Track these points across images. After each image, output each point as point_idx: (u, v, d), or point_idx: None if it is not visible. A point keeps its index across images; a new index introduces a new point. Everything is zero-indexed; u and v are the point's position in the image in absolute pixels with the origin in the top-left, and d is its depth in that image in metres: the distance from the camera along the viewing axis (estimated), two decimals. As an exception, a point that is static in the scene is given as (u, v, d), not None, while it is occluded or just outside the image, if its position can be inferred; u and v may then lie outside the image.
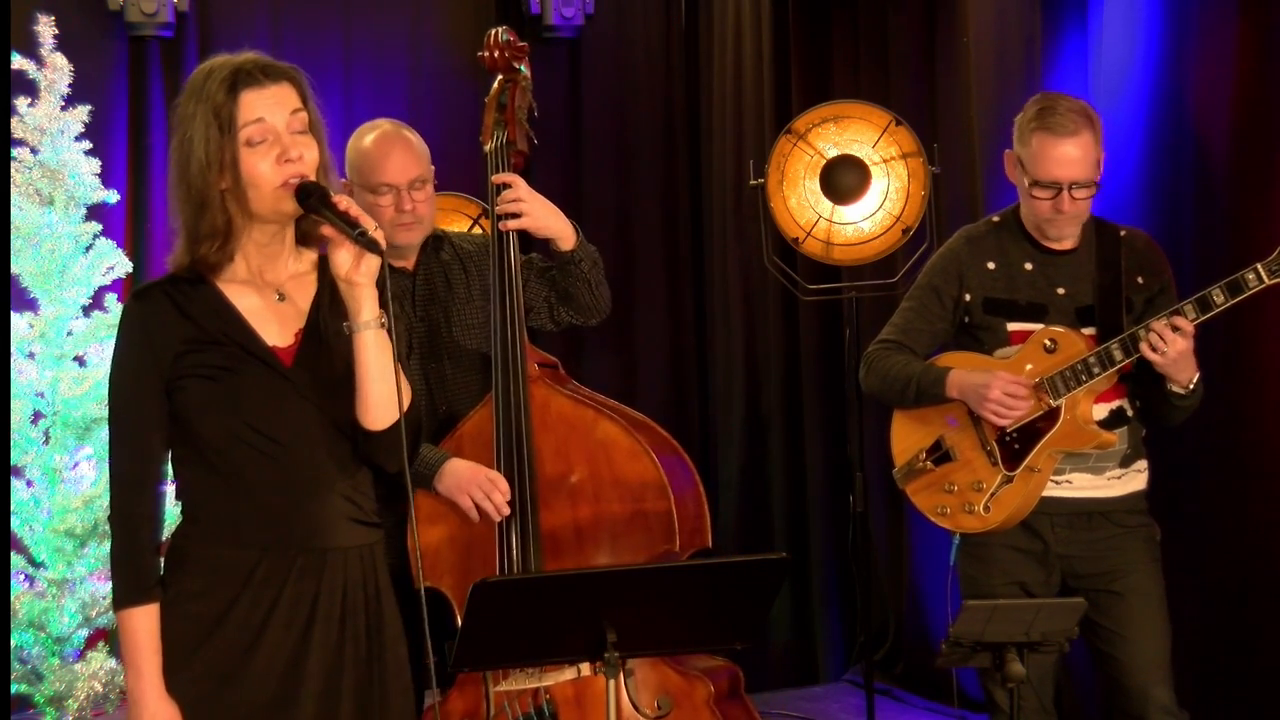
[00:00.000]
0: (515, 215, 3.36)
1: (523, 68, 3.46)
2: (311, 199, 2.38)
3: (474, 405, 3.40)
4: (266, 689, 2.40)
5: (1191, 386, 3.40)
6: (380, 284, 2.40)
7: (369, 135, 3.49)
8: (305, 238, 2.50)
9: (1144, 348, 3.34)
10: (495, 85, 3.46)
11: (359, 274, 2.38)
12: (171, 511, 2.49)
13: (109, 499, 2.47)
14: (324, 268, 2.52)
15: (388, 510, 2.65)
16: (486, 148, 3.44)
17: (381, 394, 2.43)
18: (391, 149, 3.45)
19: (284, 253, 2.49)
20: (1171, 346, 3.30)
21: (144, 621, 2.39)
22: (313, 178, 2.40)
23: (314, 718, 2.42)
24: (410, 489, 2.42)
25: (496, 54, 3.44)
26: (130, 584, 2.41)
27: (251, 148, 2.37)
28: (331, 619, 2.44)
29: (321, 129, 2.46)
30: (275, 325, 2.46)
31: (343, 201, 2.37)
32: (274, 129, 2.39)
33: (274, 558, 2.42)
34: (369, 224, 2.36)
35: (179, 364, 2.40)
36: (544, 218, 3.39)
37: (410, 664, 2.58)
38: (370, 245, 2.34)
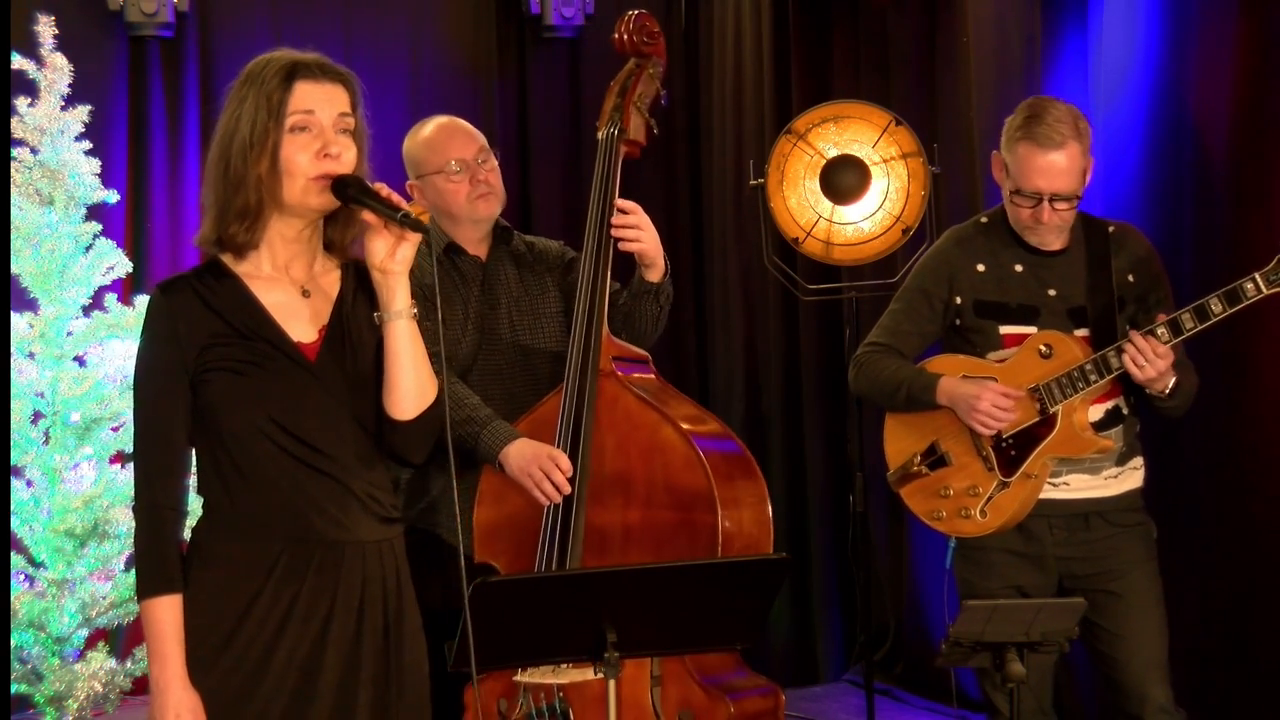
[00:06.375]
0: (632, 239, 3.35)
1: (654, 55, 3.44)
2: (350, 189, 2.42)
3: (536, 393, 3.42)
4: (287, 682, 2.42)
5: (1168, 391, 3.37)
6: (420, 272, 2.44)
7: (426, 126, 3.57)
8: (332, 245, 2.54)
9: (1126, 360, 3.32)
10: (624, 70, 3.44)
11: (394, 262, 2.42)
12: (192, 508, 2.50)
13: (134, 489, 2.48)
14: (347, 271, 2.56)
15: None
16: (599, 134, 3.43)
17: (411, 383, 2.46)
18: (453, 130, 3.55)
19: (312, 254, 2.52)
20: (1151, 365, 3.30)
21: (168, 611, 2.41)
22: None
23: (332, 709, 2.44)
24: (454, 468, 2.44)
25: (626, 36, 3.44)
26: (155, 574, 2.42)
27: (294, 135, 2.41)
28: (349, 612, 2.46)
29: (365, 138, 2.50)
30: (300, 321, 2.49)
31: (383, 189, 2.41)
32: (319, 123, 2.43)
33: (294, 552, 2.43)
34: (409, 208, 2.40)
35: (205, 357, 2.43)
36: (654, 245, 3.39)
37: (431, 653, 2.59)
38: (415, 225, 2.39)
